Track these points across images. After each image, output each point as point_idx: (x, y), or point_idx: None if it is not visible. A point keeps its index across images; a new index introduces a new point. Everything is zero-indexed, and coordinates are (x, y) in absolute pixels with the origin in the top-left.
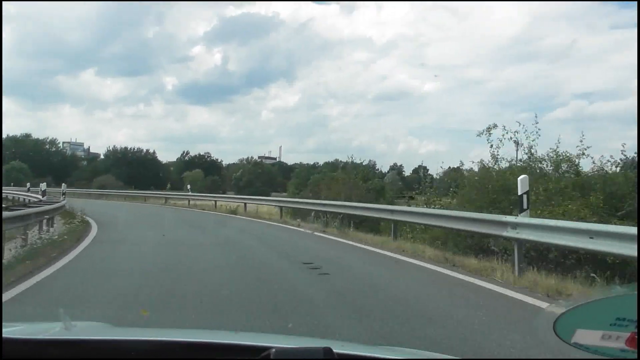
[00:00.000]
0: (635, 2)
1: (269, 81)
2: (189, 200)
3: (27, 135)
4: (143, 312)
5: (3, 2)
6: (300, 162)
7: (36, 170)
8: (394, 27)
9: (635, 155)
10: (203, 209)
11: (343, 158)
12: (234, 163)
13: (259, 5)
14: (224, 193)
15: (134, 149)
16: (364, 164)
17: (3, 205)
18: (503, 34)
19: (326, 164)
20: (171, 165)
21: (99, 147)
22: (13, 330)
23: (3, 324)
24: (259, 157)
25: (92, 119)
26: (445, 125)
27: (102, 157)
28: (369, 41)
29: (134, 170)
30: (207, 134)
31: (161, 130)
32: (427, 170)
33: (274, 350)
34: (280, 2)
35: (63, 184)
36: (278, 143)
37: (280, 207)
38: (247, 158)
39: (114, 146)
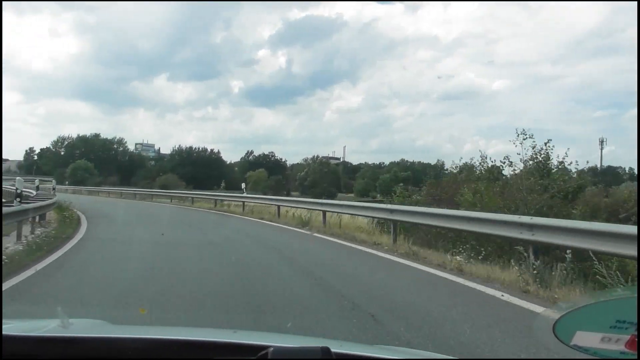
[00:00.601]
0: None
1: (333, 82)
2: (243, 204)
3: (96, 135)
4: (141, 310)
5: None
6: (366, 162)
7: (103, 168)
8: (460, 24)
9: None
10: (261, 218)
11: (406, 158)
12: (298, 163)
13: (323, 6)
14: (287, 194)
15: (198, 148)
16: (432, 164)
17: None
18: (579, 27)
19: (392, 163)
20: (235, 165)
21: (169, 148)
22: (10, 327)
23: None
24: (323, 158)
25: (163, 121)
26: (515, 124)
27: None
28: (435, 39)
29: (198, 170)
30: (272, 135)
31: (228, 132)
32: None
33: (272, 349)
34: (343, 2)
35: (53, 179)
36: (341, 144)
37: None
38: (314, 157)
39: (179, 146)
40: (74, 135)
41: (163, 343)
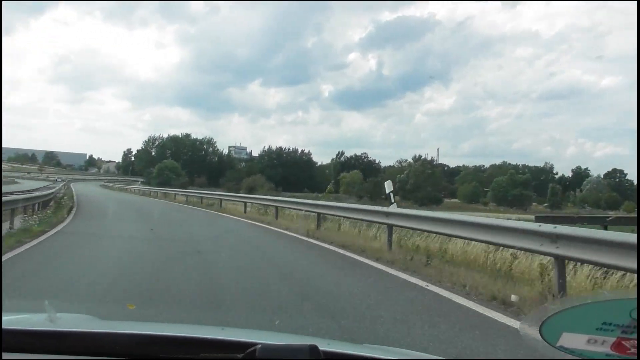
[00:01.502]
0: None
1: (424, 84)
2: (390, 229)
3: (187, 135)
4: (129, 306)
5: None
6: (464, 165)
7: (192, 169)
8: (565, 18)
9: None
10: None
11: (498, 162)
12: (391, 165)
13: (415, 7)
14: (385, 198)
15: (288, 149)
16: (539, 167)
17: None
18: None
19: (493, 166)
20: (325, 167)
21: (260, 152)
22: None
23: None
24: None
25: (256, 126)
26: (627, 125)
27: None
28: (535, 35)
29: (288, 171)
30: (360, 138)
31: (317, 135)
32: (625, 174)
33: (259, 346)
34: (436, 2)
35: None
36: (431, 147)
37: None
38: (415, 156)
39: (269, 146)
40: (165, 135)
41: (151, 339)
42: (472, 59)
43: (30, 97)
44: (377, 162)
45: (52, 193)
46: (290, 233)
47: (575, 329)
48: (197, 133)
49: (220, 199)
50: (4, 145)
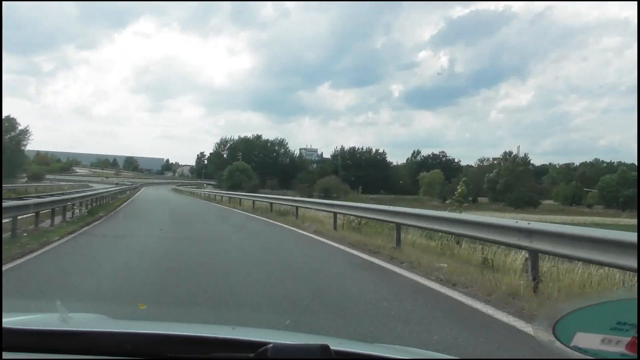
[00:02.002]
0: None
1: (499, 80)
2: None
3: (258, 137)
4: (140, 305)
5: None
6: (550, 163)
7: (263, 172)
8: None
9: None
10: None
11: (584, 159)
12: (470, 165)
13: (488, 1)
14: (474, 201)
15: (362, 149)
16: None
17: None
18: None
19: (584, 164)
20: (399, 168)
21: (331, 153)
22: (11, 321)
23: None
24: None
25: (326, 128)
26: None
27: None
28: (624, 23)
29: (363, 172)
30: (432, 138)
31: (388, 136)
32: None
33: (271, 346)
34: None
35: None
36: (508, 145)
37: None
38: (505, 153)
39: (342, 146)
40: (236, 137)
41: (162, 338)
42: (552, 51)
43: (114, 106)
44: (456, 160)
45: (76, 197)
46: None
47: (589, 328)
48: (269, 136)
49: (296, 207)
50: (88, 152)
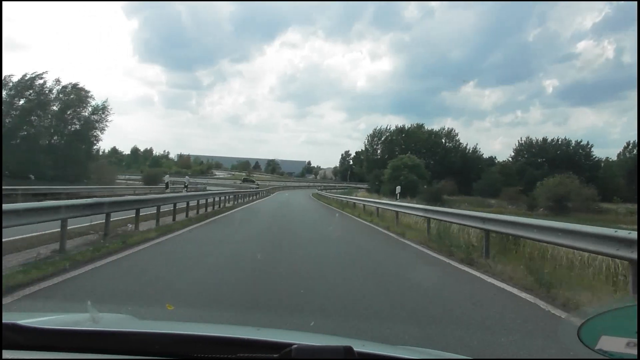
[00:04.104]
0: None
1: None
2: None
3: (420, 126)
4: (168, 306)
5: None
6: None
7: (433, 170)
8: None
9: None
10: None
11: None
12: None
13: None
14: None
15: (555, 140)
16: None
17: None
18: None
19: None
20: (612, 164)
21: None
22: (44, 321)
23: (36, 313)
24: None
25: (469, 129)
26: None
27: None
28: None
29: (558, 171)
30: (593, 137)
31: (538, 135)
32: None
33: (295, 347)
34: None
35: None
36: None
37: None
38: None
39: (527, 137)
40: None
41: (188, 338)
42: None
43: (263, 114)
44: None
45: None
46: None
47: (613, 332)
48: None
49: None
50: (249, 156)
